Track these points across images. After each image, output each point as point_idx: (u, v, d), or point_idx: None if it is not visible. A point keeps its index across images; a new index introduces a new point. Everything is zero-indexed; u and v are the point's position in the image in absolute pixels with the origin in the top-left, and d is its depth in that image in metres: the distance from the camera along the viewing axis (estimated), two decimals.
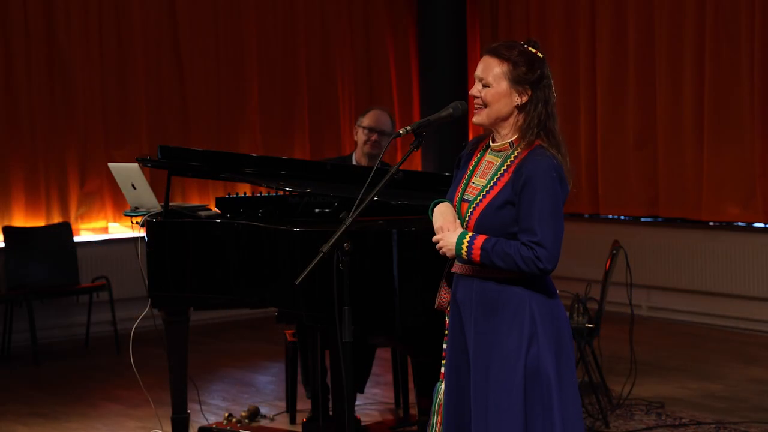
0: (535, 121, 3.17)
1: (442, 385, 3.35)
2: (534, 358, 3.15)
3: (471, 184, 3.25)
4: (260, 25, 8.93)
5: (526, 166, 3.13)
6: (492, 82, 3.18)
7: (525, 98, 3.18)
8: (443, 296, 3.37)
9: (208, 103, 8.70)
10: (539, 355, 3.15)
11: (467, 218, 3.21)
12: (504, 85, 3.17)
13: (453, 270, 3.31)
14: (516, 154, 3.19)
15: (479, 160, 3.29)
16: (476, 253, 3.10)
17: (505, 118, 3.21)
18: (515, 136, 3.21)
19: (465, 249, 3.12)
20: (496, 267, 3.11)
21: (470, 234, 3.15)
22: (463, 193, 3.26)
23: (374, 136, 5.34)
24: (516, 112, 3.20)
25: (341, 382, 3.89)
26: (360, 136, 5.37)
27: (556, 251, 3.10)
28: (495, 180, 3.18)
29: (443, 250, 3.20)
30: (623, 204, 8.56)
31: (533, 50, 3.19)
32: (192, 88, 8.60)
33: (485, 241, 3.11)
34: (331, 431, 4.52)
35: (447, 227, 3.20)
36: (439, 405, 3.35)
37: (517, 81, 3.17)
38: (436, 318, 3.59)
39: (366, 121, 5.36)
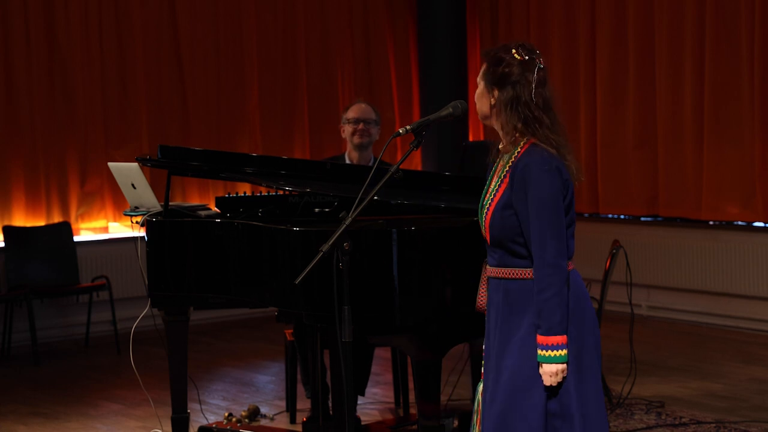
0: (513, 121, 3.18)
1: (482, 384, 3.36)
2: None
3: (489, 188, 3.28)
4: (260, 25, 8.93)
5: (519, 167, 3.15)
6: (478, 81, 3.28)
7: (493, 99, 3.21)
8: (481, 298, 3.40)
9: (208, 103, 8.69)
10: None
11: (483, 223, 3.25)
12: (482, 84, 3.26)
13: (487, 274, 3.34)
14: (516, 154, 3.19)
15: (497, 163, 3.31)
16: (556, 340, 3.10)
17: (488, 117, 3.26)
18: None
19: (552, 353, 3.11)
20: (553, 315, 3.09)
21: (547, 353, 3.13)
22: (483, 198, 3.29)
23: (361, 125, 5.39)
24: (494, 111, 3.23)
25: (341, 382, 3.89)
26: (347, 129, 5.43)
27: (561, 248, 3.11)
28: (500, 182, 3.21)
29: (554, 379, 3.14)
30: (623, 204, 8.56)
31: (513, 51, 3.19)
32: (192, 88, 8.60)
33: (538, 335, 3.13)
34: (331, 431, 4.52)
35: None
36: (479, 403, 3.36)
37: (488, 81, 3.23)
38: (436, 318, 3.58)
39: (351, 113, 5.42)
